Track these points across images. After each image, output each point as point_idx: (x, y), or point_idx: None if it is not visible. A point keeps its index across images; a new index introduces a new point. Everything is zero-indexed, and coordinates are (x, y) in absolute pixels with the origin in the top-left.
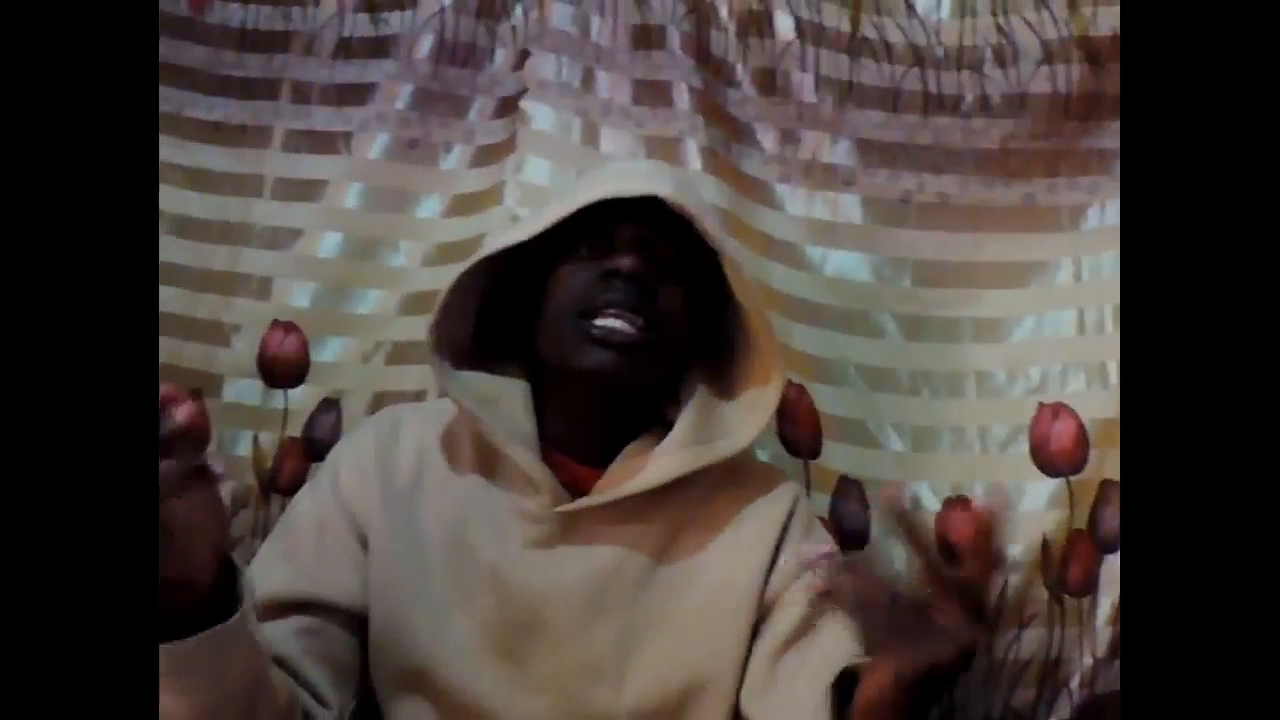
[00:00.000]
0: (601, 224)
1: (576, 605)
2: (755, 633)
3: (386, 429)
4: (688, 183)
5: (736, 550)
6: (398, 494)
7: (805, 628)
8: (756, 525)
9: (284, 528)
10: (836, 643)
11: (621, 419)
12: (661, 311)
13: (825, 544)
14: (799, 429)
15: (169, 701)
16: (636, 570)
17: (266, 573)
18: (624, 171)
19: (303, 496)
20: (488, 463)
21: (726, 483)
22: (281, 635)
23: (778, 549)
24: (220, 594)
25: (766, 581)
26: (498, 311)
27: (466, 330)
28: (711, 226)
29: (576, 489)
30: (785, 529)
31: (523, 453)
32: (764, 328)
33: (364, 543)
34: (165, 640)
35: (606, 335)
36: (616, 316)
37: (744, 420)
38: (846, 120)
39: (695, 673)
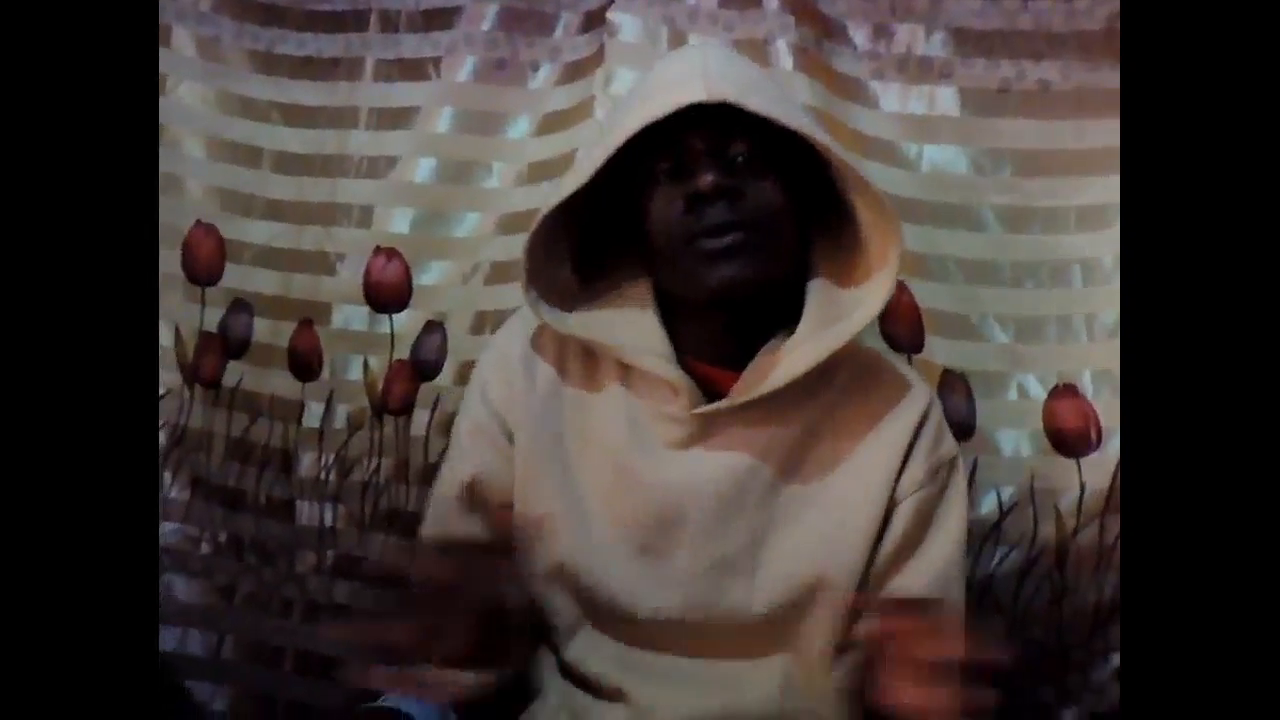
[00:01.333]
0: (669, 136)
1: (712, 504)
2: (880, 533)
3: (529, 335)
4: (739, 63)
5: (868, 454)
6: (541, 397)
7: (911, 544)
8: (889, 430)
9: (453, 447)
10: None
11: (753, 321)
12: (757, 211)
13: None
14: (900, 324)
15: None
16: (771, 471)
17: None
18: (670, 78)
19: (463, 411)
20: (624, 371)
21: (861, 385)
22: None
23: (908, 454)
24: None
25: (895, 484)
26: (594, 232)
27: (566, 262)
28: (777, 108)
29: (713, 392)
30: (917, 434)
31: (658, 361)
32: (863, 186)
33: (511, 440)
34: None
35: (717, 251)
36: (718, 235)
37: (865, 301)
38: (941, 10)
39: (821, 571)
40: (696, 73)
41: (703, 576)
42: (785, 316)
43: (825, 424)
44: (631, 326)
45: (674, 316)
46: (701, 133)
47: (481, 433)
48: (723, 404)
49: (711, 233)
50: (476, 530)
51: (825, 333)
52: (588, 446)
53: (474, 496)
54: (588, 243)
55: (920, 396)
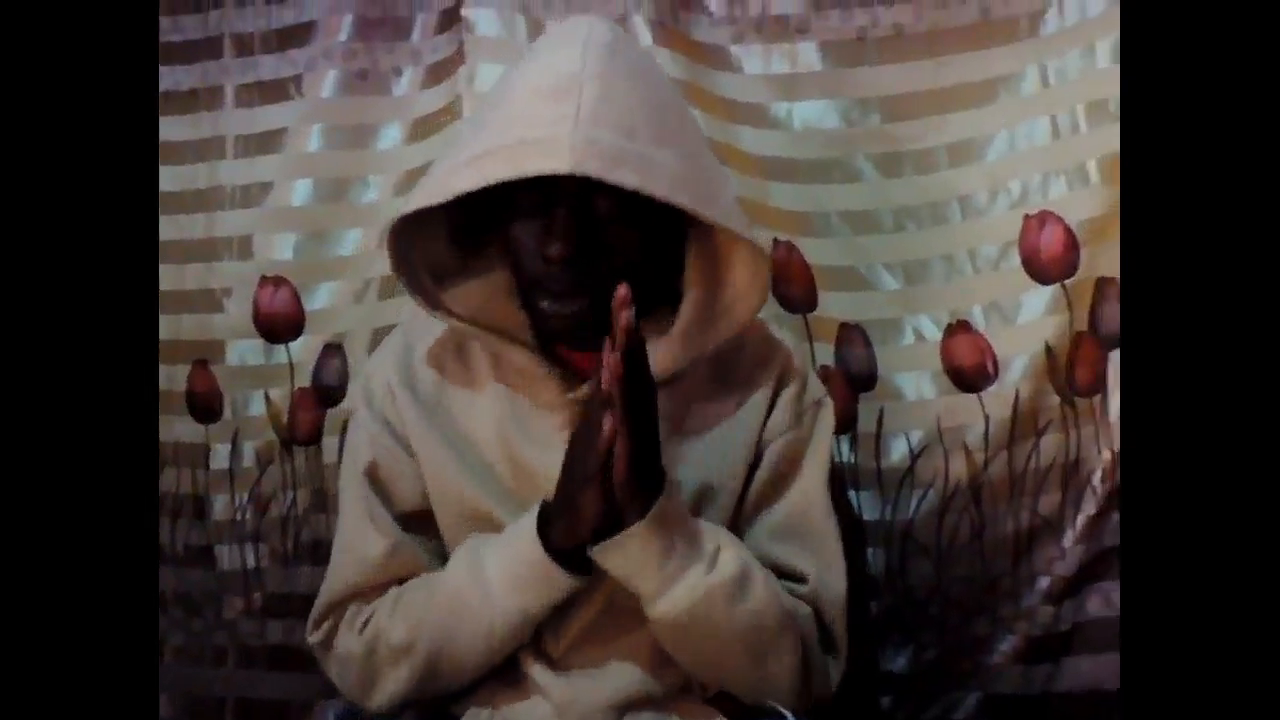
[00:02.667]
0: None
1: None
2: (751, 469)
3: (400, 349)
4: (623, 99)
5: (739, 408)
6: (426, 404)
7: (779, 480)
8: (758, 382)
9: (355, 484)
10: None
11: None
12: (610, 273)
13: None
14: (793, 285)
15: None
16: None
17: (367, 548)
18: (540, 116)
19: (354, 441)
20: (498, 363)
21: (732, 352)
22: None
23: (772, 403)
24: None
25: (762, 430)
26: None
27: (442, 234)
28: (652, 169)
29: (586, 373)
30: (779, 385)
31: (522, 353)
32: (735, 237)
33: (406, 448)
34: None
35: (557, 314)
36: (556, 300)
37: (733, 312)
38: None
39: (702, 516)
40: (566, 126)
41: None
42: (656, 301)
43: (700, 389)
44: (499, 310)
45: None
46: (567, 186)
47: (371, 437)
48: (590, 387)
49: (556, 296)
50: (408, 543)
51: (698, 337)
52: (479, 447)
53: (378, 483)
54: (463, 212)
55: (780, 353)
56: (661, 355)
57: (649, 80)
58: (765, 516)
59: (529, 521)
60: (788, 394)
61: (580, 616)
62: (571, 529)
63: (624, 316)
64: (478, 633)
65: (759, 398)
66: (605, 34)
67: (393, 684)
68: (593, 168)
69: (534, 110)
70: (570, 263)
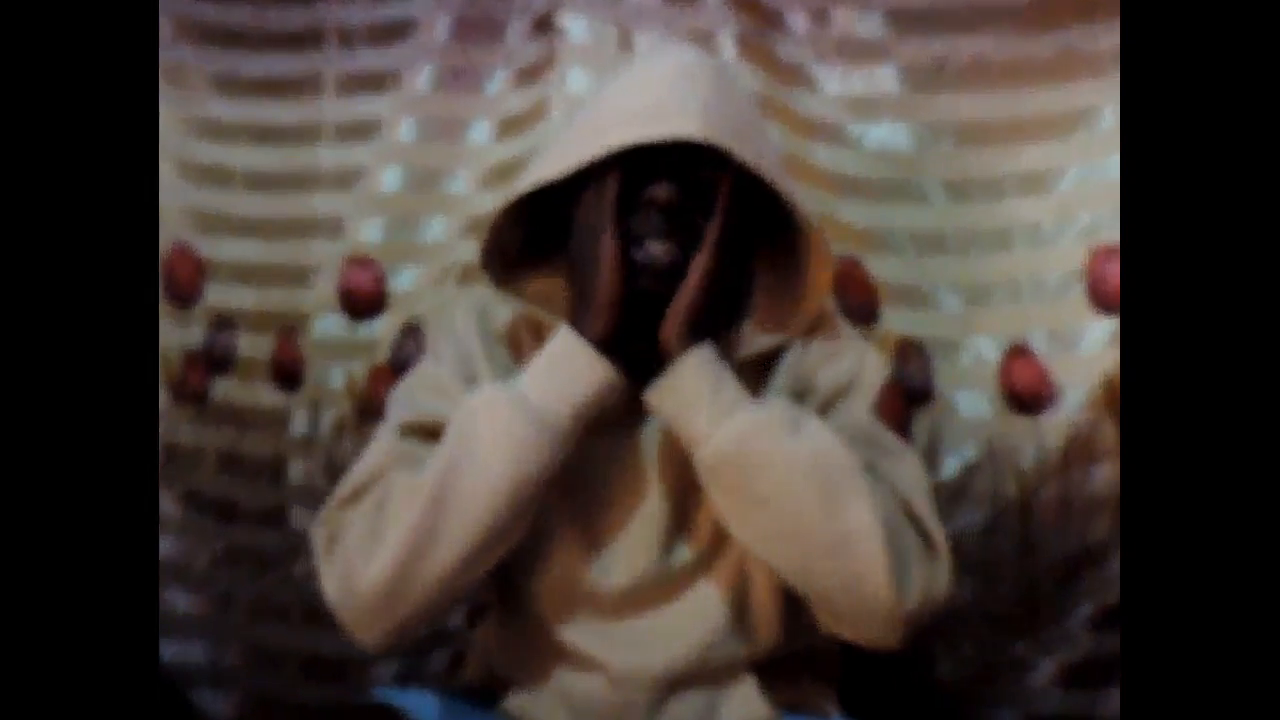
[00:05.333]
0: (635, 156)
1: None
2: None
3: (478, 308)
4: (729, 96)
5: (817, 392)
6: (498, 366)
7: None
8: (836, 369)
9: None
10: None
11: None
12: (695, 236)
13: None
14: (854, 298)
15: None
16: None
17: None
18: (666, 97)
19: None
20: None
21: (815, 338)
22: None
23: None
24: None
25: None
26: (543, 224)
27: (519, 230)
28: (755, 153)
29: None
30: (860, 366)
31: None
32: (807, 223)
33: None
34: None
35: (648, 261)
36: (652, 240)
37: (802, 310)
38: None
39: None
40: (695, 103)
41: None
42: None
43: (767, 374)
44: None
45: None
46: (673, 151)
47: (459, 358)
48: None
49: (653, 236)
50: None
51: (763, 337)
52: None
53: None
54: (539, 211)
55: (863, 347)
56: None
57: (741, 96)
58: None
59: (571, 335)
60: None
61: (631, 591)
62: (593, 323)
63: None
64: (498, 444)
65: (841, 374)
66: (694, 53)
67: (395, 534)
68: (724, 136)
69: (655, 89)
70: (672, 210)
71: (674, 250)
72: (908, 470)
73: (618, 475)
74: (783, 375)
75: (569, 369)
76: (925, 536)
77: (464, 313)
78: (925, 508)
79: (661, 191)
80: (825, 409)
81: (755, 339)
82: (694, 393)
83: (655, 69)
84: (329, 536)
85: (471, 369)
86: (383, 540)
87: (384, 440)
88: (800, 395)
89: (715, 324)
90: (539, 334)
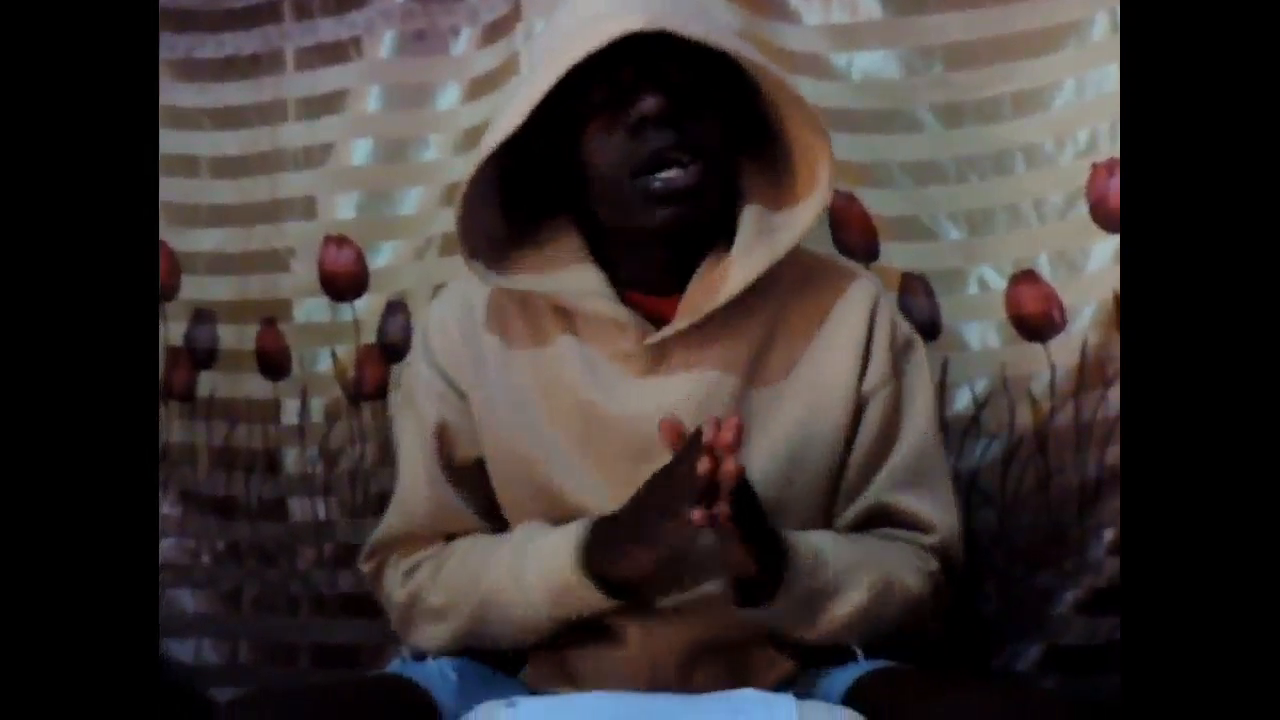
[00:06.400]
0: (604, 66)
1: (686, 420)
2: (851, 427)
3: (459, 301)
4: None
5: (826, 350)
6: (492, 366)
7: (887, 436)
8: (843, 325)
9: (418, 439)
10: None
11: (687, 246)
12: (700, 140)
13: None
14: (853, 234)
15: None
16: (734, 383)
17: (418, 503)
18: (599, 6)
19: (416, 395)
20: (568, 318)
21: (806, 287)
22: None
23: (867, 349)
24: None
25: (860, 381)
26: (524, 177)
27: (496, 209)
28: (714, 32)
29: (659, 319)
30: (871, 327)
31: (599, 300)
32: (797, 105)
33: (464, 399)
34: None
35: (668, 189)
36: (669, 164)
37: (803, 210)
38: None
39: (793, 471)
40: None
41: None
42: (716, 235)
43: (779, 328)
44: (567, 270)
45: (607, 251)
46: (640, 61)
47: (433, 391)
48: (671, 329)
49: (657, 164)
50: (457, 503)
51: (761, 248)
52: (551, 400)
53: (444, 442)
54: (512, 188)
55: (866, 287)
56: (729, 272)
57: None
58: (883, 468)
59: (573, 539)
60: (881, 340)
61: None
62: (618, 570)
63: (730, 466)
64: (511, 621)
65: (850, 340)
66: None
67: (429, 638)
68: (669, 19)
69: (589, 16)
70: (667, 116)
71: (691, 170)
72: (952, 517)
73: (654, 424)
74: (760, 326)
75: (577, 600)
76: (952, 578)
77: (437, 329)
78: (959, 553)
79: (647, 103)
80: (888, 424)
81: (745, 262)
82: (774, 619)
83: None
84: (373, 575)
85: (460, 383)
86: (415, 635)
87: (419, 472)
88: (786, 365)
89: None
90: (526, 303)
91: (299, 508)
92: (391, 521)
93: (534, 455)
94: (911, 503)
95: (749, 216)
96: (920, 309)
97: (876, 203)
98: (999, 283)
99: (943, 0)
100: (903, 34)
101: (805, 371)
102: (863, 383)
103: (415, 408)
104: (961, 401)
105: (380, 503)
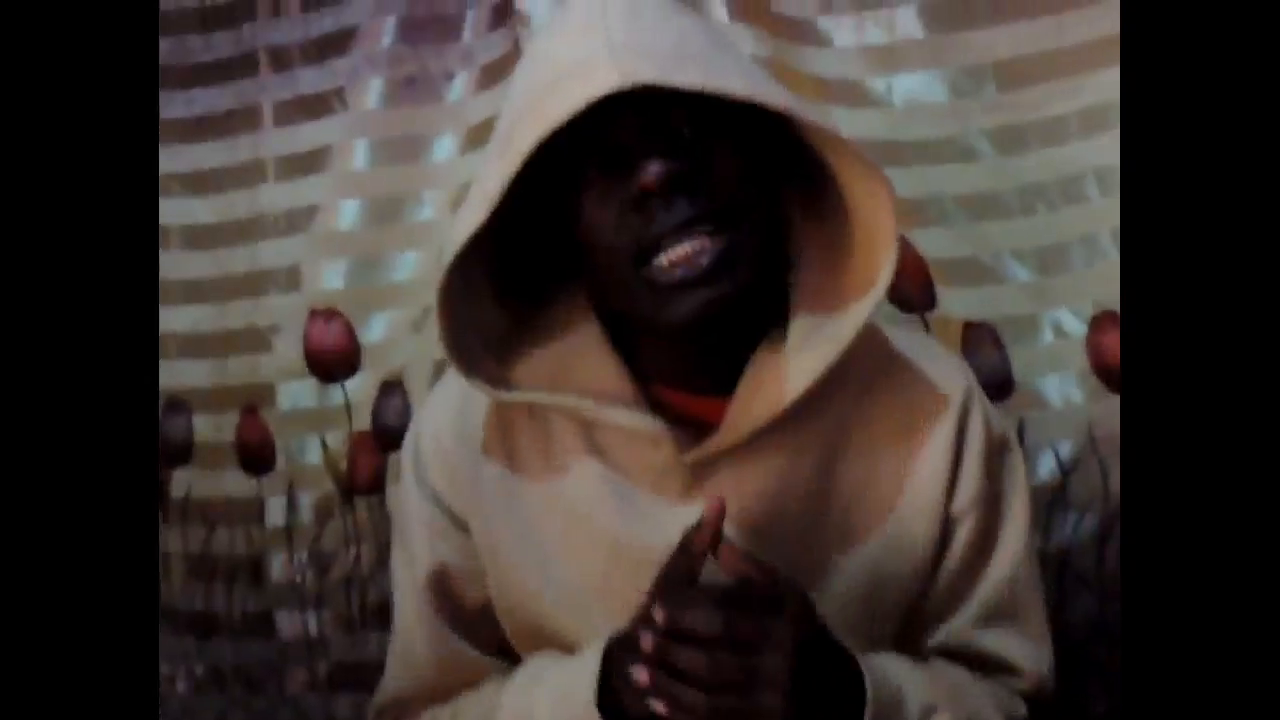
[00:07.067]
0: (595, 118)
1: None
2: (938, 548)
3: (455, 405)
4: (652, 15)
5: (906, 468)
6: (493, 497)
7: (979, 555)
8: (927, 437)
9: (411, 585)
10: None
11: (730, 336)
12: (723, 192)
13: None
14: (907, 281)
15: None
16: (795, 506)
17: (419, 660)
18: (568, 58)
19: (408, 529)
20: (587, 429)
21: (878, 380)
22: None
23: (955, 467)
24: None
25: (949, 502)
26: (512, 250)
27: (487, 297)
28: (715, 71)
29: (701, 424)
30: (960, 443)
31: (624, 411)
32: (837, 144)
33: (467, 531)
34: None
35: (685, 276)
36: (681, 240)
37: (865, 283)
38: None
39: (875, 604)
40: (599, 45)
41: None
42: (763, 308)
43: (847, 434)
44: (584, 364)
45: (630, 336)
46: (630, 112)
47: (429, 527)
48: (715, 445)
49: (670, 239)
50: (466, 652)
51: (823, 332)
52: (568, 535)
53: (444, 590)
54: (506, 265)
55: (954, 382)
56: (786, 368)
57: (682, 12)
58: (967, 602)
59: (588, 679)
60: (973, 452)
61: None
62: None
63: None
64: None
65: (936, 452)
66: None
67: None
68: (647, 73)
69: (554, 64)
70: (675, 181)
71: (718, 243)
72: (1044, 655)
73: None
74: (824, 433)
75: None
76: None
77: (431, 448)
78: (1050, 693)
79: (649, 172)
80: (975, 551)
81: (805, 356)
82: None
83: (554, 32)
84: None
85: (460, 513)
86: None
87: (417, 627)
88: (858, 482)
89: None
90: (535, 419)
91: (287, 622)
92: (393, 682)
93: (546, 602)
94: (1000, 644)
95: (803, 292)
96: (989, 363)
97: (930, 244)
98: (1078, 328)
99: (989, 13)
100: (947, 53)
101: (882, 491)
102: (951, 504)
103: (408, 548)
104: (1045, 468)
105: (380, 614)
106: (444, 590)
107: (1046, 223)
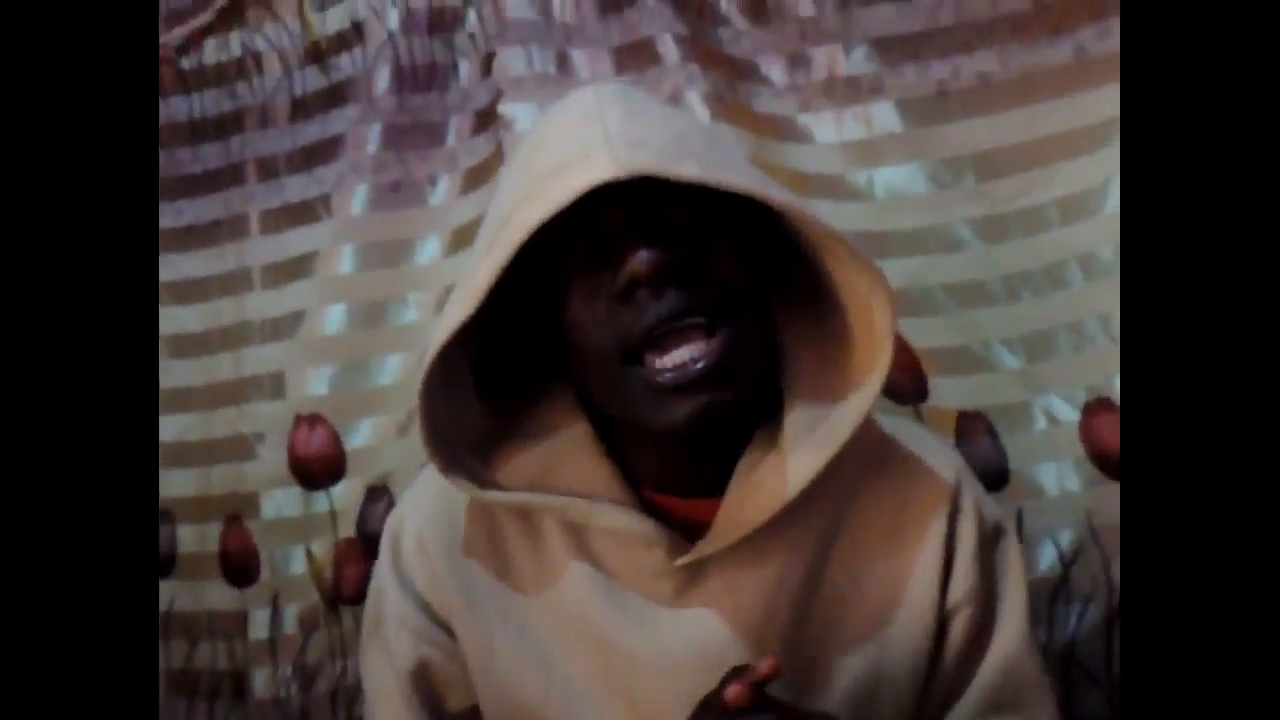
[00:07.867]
0: (583, 211)
1: (731, 658)
2: (935, 640)
3: (438, 501)
4: (648, 110)
5: (901, 564)
6: (478, 600)
7: (975, 645)
8: (920, 531)
9: (390, 685)
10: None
11: (727, 432)
12: (717, 289)
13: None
14: (897, 373)
15: None
16: (788, 607)
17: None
18: (562, 149)
19: (384, 625)
20: (576, 533)
21: (869, 476)
22: None
23: (948, 559)
24: None
25: (943, 596)
26: (495, 349)
27: (469, 395)
28: (711, 164)
29: (692, 526)
30: (952, 534)
31: (615, 513)
32: (831, 241)
33: (450, 634)
34: None
35: (679, 378)
36: (676, 341)
37: (858, 381)
38: (855, 24)
39: (871, 698)
40: (596, 136)
41: None
42: (755, 411)
43: (840, 533)
44: (571, 467)
45: (618, 436)
46: (620, 205)
47: (410, 626)
48: (709, 547)
49: (660, 342)
50: None
51: (820, 428)
52: (566, 641)
53: (426, 689)
54: (492, 363)
55: (945, 473)
56: (780, 469)
57: (676, 109)
58: (969, 690)
59: None
60: (966, 543)
61: None
62: None
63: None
64: None
65: (929, 546)
66: (619, 89)
67: None
68: (646, 164)
69: (551, 154)
70: (666, 274)
71: (715, 343)
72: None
73: (691, 660)
74: (817, 531)
75: None
76: None
77: (412, 549)
78: None
79: (638, 260)
80: (973, 640)
81: (800, 457)
82: None
83: (549, 125)
84: None
85: (445, 618)
86: None
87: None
88: (851, 579)
89: None
90: (524, 521)
91: None
92: None
93: (551, 702)
94: None
95: (796, 389)
96: (983, 453)
97: (918, 334)
98: (1071, 415)
99: (966, 105)
100: (925, 146)
101: (878, 588)
102: (945, 598)
103: (385, 643)
104: (1046, 560)
105: None
106: (427, 688)
107: (1032, 309)
